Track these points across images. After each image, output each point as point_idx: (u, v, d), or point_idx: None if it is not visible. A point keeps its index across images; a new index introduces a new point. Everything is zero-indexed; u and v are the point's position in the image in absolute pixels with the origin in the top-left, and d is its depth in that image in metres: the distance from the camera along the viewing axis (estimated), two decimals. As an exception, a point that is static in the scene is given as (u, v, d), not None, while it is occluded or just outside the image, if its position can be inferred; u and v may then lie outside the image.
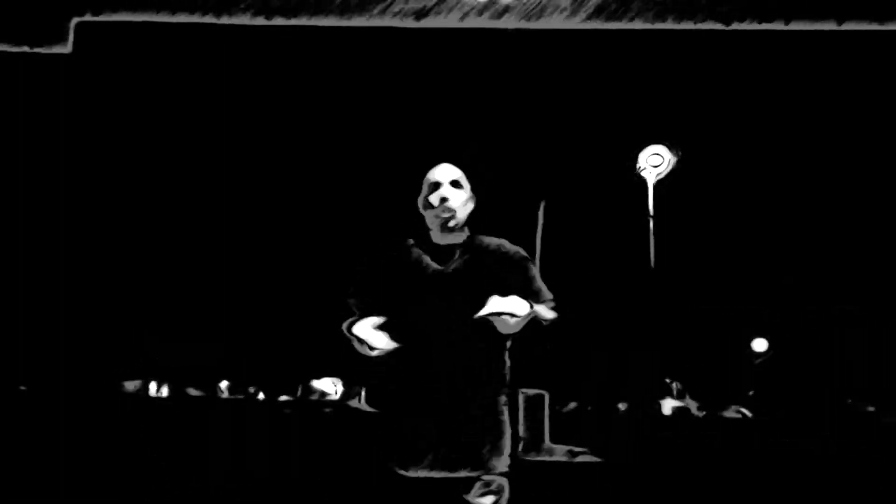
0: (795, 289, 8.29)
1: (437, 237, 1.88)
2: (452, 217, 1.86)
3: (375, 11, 3.09)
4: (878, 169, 7.08)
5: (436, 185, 1.88)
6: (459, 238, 1.89)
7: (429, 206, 1.87)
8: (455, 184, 1.89)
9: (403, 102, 6.47)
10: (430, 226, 1.90)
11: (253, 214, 7.95)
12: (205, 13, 3.12)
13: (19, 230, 6.29)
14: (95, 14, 4.45)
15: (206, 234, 8.05)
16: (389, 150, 6.34)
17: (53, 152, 6.25)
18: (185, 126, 7.16)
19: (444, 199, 1.84)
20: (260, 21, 3.30)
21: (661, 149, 6.91)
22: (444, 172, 1.91)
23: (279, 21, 3.12)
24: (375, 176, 6.47)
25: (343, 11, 3.09)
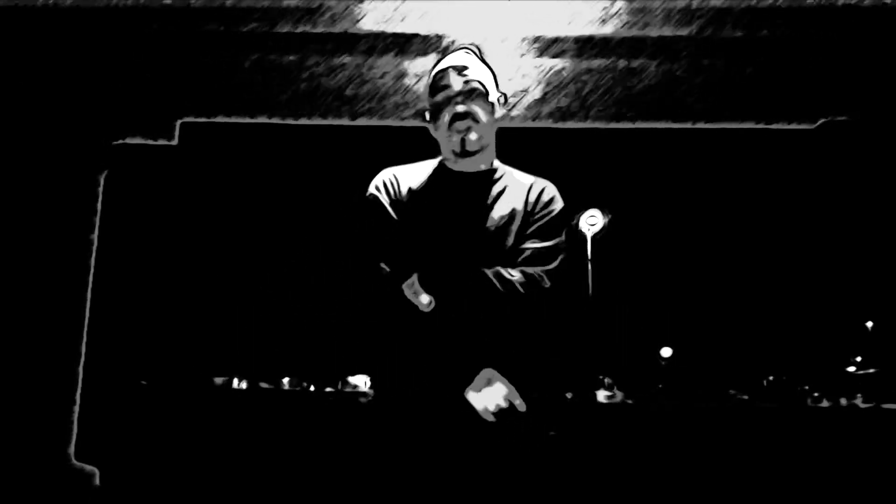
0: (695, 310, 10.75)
1: (454, 163, 1.22)
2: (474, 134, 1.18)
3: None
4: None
5: (447, 94, 1.16)
6: (483, 164, 1.23)
7: (446, 120, 1.17)
8: (473, 90, 1.16)
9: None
10: (443, 151, 1.23)
11: (309, 246, 10.45)
12: (296, 117, 2.81)
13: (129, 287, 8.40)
14: (197, 116, 6.53)
15: (278, 262, 10.49)
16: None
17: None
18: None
19: (462, 115, 1.15)
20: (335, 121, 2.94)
21: (596, 212, 9.58)
22: (459, 59, 1.19)
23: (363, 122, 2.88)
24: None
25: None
